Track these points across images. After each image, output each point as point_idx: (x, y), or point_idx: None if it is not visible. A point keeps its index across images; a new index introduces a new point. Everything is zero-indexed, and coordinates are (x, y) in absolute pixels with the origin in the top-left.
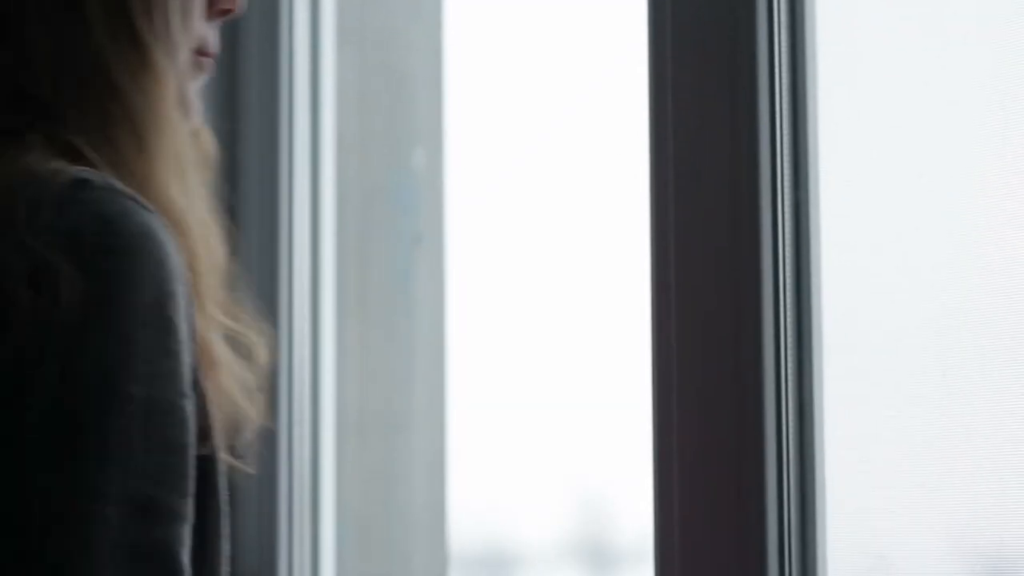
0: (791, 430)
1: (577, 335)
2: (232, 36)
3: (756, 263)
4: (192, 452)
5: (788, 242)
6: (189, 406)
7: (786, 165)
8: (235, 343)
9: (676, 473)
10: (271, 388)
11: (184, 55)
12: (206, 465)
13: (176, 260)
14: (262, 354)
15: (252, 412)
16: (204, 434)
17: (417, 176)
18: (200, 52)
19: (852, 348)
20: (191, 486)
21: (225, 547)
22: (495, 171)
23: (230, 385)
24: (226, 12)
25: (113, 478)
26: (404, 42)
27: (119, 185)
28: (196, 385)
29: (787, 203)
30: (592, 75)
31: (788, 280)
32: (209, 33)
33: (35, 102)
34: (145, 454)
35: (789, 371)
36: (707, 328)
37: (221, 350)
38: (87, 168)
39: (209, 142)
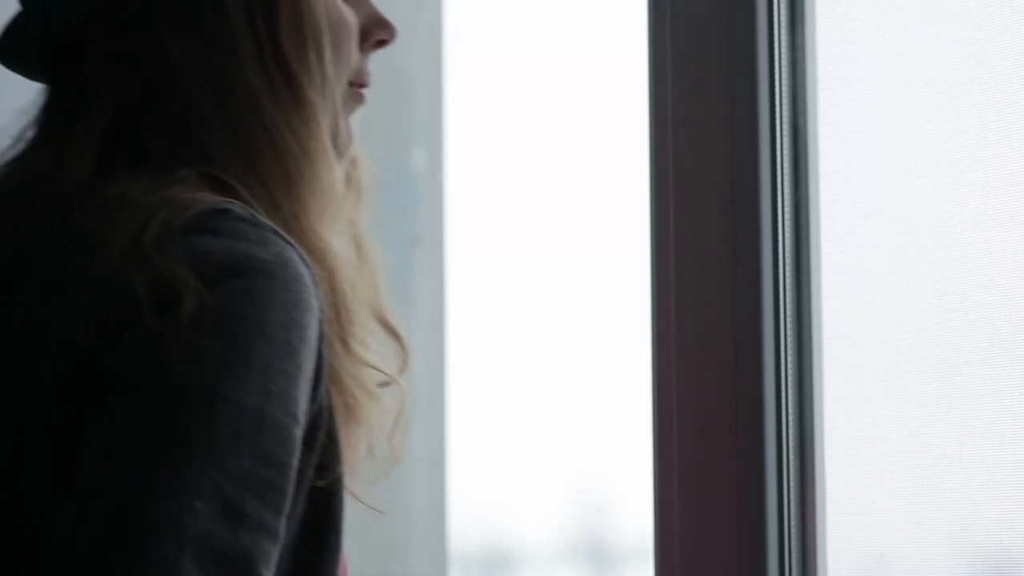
0: (791, 430)
1: (577, 335)
2: None
3: (756, 263)
4: (292, 473)
5: (788, 242)
6: (297, 431)
7: (786, 166)
8: (378, 382)
9: (676, 473)
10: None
11: (339, 89)
12: (330, 500)
13: (311, 293)
14: (405, 395)
15: (389, 452)
16: (330, 468)
17: (416, 176)
18: (355, 84)
19: (852, 348)
20: (286, 506)
21: None
22: (495, 171)
23: (368, 424)
24: (382, 43)
25: (208, 476)
26: (404, 42)
27: (261, 218)
28: (328, 421)
29: (787, 203)
30: (592, 75)
31: (788, 280)
32: (363, 64)
33: (187, 138)
34: (245, 462)
35: (789, 371)
36: (707, 328)
37: (362, 390)
38: (231, 200)
39: (366, 172)
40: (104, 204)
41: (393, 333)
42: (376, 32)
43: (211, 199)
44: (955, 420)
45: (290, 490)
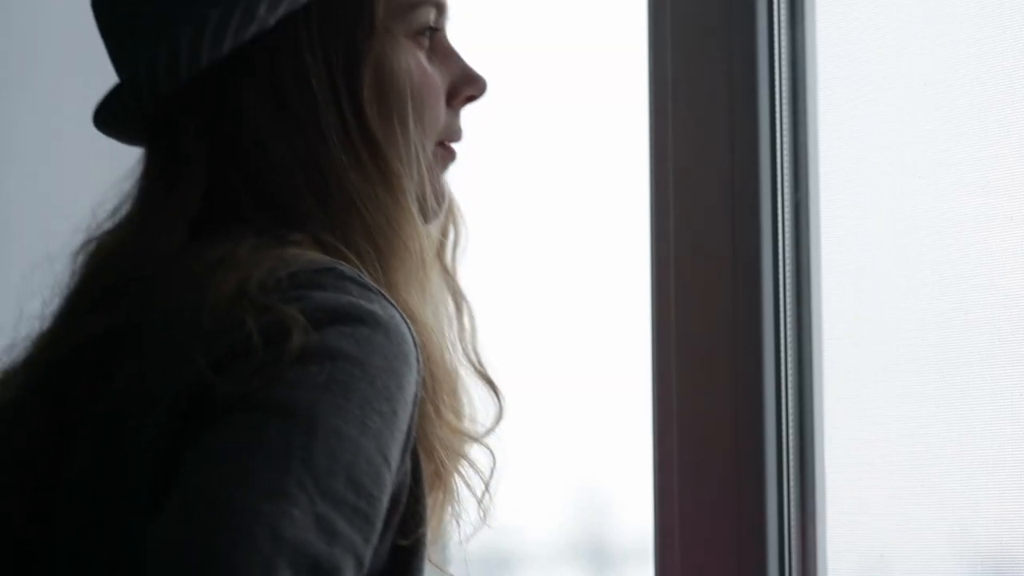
0: (791, 430)
1: (577, 335)
2: None
3: (756, 264)
4: (381, 508)
5: (788, 242)
6: (387, 474)
7: (786, 166)
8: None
9: (676, 472)
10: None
11: (427, 152)
12: (411, 559)
13: (412, 352)
14: (492, 460)
15: (473, 517)
16: (414, 528)
17: None
18: (445, 142)
19: (852, 348)
20: (373, 538)
21: None
22: (494, 171)
23: (454, 488)
24: (472, 99)
25: (305, 491)
26: None
27: (367, 279)
28: (416, 483)
29: (787, 203)
30: (592, 75)
31: (788, 280)
32: (453, 121)
33: (282, 207)
34: (339, 486)
35: (789, 371)
36: (707, 328)
37: (451, 457)
38: (339, 260)
39: (464, 224)
40: (210, 263)
41: (490, 385)
42: (465, 89)
43: (320, 257)
44: (955, 420)
45: (378, 524)
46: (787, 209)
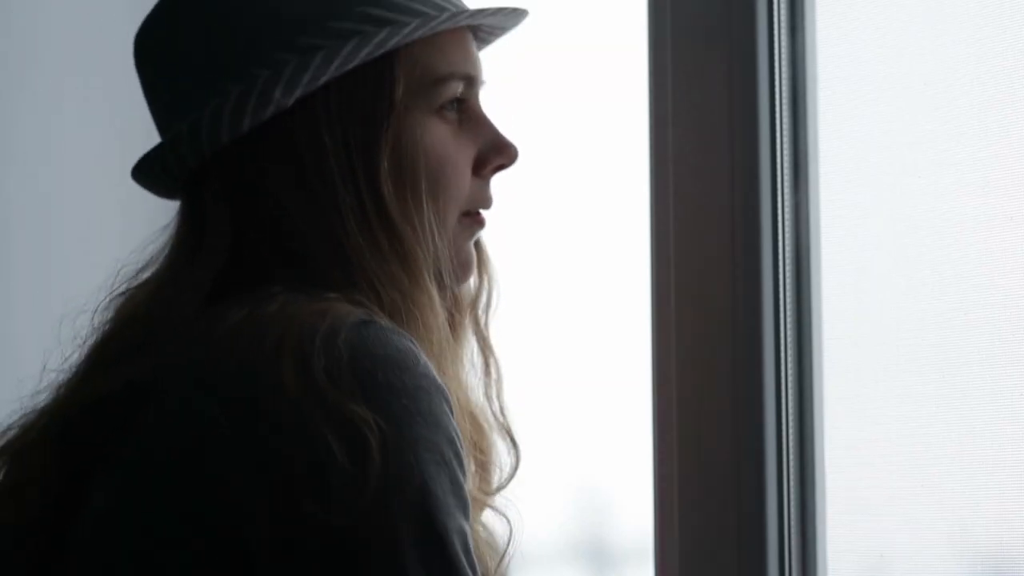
0: (791, 430)
1: (577, 335)
2: None
3: (756, 264)
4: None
5: (788, 243)
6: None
7: (786, 166)
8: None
9: (676, 472)
10: None
11: (446, 226)
12: None
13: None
14: (513, 523)
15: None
16: None
17: None
18: (471, 212)
19: (852, 348)
20: None
21: None
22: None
23: (480, 547)
24: (501, 168)
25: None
26: None
27: (403, 331)
28: None
29: (787, 203)
30: (592, 75)
31: (788, 280)
32: (481, 191)
33: (309, 269)
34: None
35: (789, 371)
36: (707, 328)
37: (476, 516)
38: (373, 312)
39: (495, 289)
40: (251, 323)
41: (512, 443)
42: (494, 159)
43: (356, 312)
44: (955, 420)
45: None
46: (787, 209)
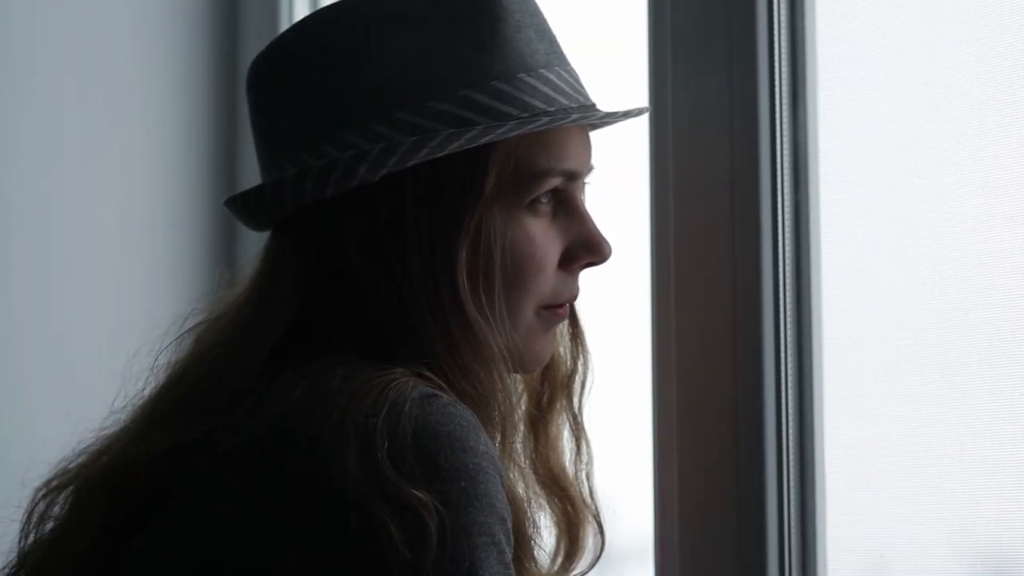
0: (791, 430)
1: None
2: (232, 37)
3: (756, 264)
4: None
5: (788, 243)
6: None
7: (786, 166)
8: None
9: (676, 473)
10: None
11: (520, 320)
12: None
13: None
14: None
15: None
16: None
17: None
18: (549, 307)
19: (852, 348)
20: None
21: None
22: None
23: None
24: (591, 265)
25: None
26: None
27: (461, 405)
28: None
29: (787, 203)
30: (593, 74)
31: (788, 281)
32: (565, 285)
33: (374, 340)
34: None
35: (789, 371)
36: (707, 328)
37: None
38: (439, 388)
39: (589, 371)
40: (314, 397)
41: (599, 528)
42: (584, 256)
43: (420, 385)
44: (955, 420)
45: None
46: (787, 209)
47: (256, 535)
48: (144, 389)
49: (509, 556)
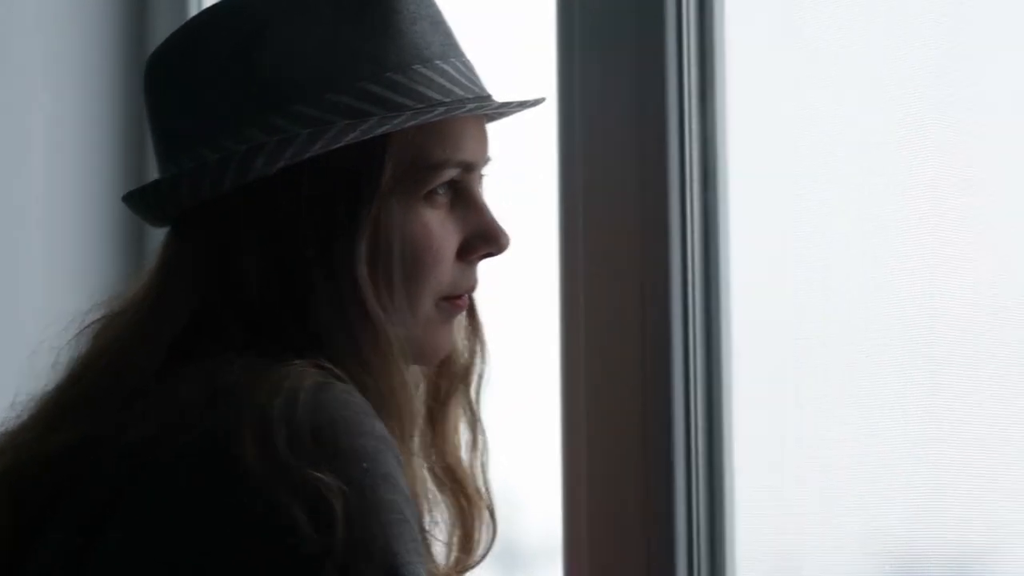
0: (699, 431)
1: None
2: (140, 30)
3: (665, 261)
4: None
5: (697, 239)
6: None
7: (695, 160)
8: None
9: (584, 472)
10: None
11: (419, 310)
12: None
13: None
14: None
15: None
16: None
17: None
18: (450, 297)
19: (758, 350)
20: None
21: None
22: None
23: None
24: (489, 255)
25: None
26: None
27: (356, 392)
28: None
29: (696, 200)
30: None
31: (697, 277)
32: (464, 276)
33: (271, 333)
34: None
35: (698, 374)
36: (615, 326)
37: None
38: (331, 376)
39: (486, 366)
40: (211, 391)
41: (492, 519)
42: (481, 246)
43: (315, 374)
44: (859, 422)
45: None
46: (696, 205)
47: (164, 534)
48: (44, 386)
49: (419, 536)
